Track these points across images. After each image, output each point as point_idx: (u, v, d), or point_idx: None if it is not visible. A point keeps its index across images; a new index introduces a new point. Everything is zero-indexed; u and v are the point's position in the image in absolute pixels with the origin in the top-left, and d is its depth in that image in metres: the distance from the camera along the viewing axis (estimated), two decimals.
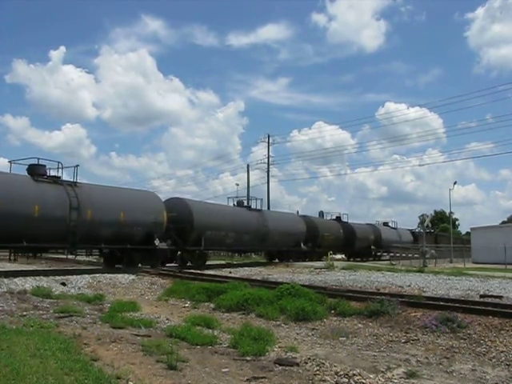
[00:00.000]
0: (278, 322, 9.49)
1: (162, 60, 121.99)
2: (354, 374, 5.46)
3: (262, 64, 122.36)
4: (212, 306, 11.22)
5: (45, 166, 17.93)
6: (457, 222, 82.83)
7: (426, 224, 41.28)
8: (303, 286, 12.18)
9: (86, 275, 16.05)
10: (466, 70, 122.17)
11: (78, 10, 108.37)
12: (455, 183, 53.37)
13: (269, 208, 42.00)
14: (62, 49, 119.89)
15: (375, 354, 7.14)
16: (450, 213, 59.79)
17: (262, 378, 5.24)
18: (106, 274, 16.49)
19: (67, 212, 16.66)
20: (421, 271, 22.98)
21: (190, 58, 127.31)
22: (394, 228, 45.83)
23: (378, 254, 41.03)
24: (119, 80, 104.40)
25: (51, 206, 16.34)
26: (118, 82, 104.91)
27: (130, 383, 4.61)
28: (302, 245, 30.95)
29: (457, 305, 9.83)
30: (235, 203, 28.47)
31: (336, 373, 5.53)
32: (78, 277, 15.63)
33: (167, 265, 21.99)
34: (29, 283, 13.36)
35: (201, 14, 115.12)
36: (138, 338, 6.95)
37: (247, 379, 5.17)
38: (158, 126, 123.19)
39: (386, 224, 45.59)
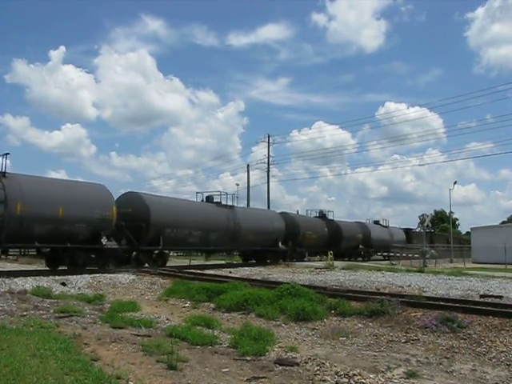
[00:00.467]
0: (278, 322, 9.48)
1: (161, 60, 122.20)
2: (354, 374, 5.46)
3: (262, 64, 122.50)
4: (212, 305, 11.21)
5: None
6: (457, 222, 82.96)
7: (425, 224, 41.29)
8: (303, 285, 12.17)
9: (86, 275, 16.05)
10: (466, 70, 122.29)
11: (77, 10, 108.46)
12: (455, 183, 53.58)
13: (269, 208, 41.93)
14: (62, 49, 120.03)
15: (375, 353, 7.13)
16: (450, 213, 60.00)
17: (262, 377, 5.24)
18: (106, 274, 16.49)
19: None
20: (421, 271, 23.01)
21: (190, 58, 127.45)
22: (385, 226, 44.10)
23: (368, 253, 39.47)
24: (119, 80, 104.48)
25: None
26: (117, 82, 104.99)
27: (130, 383, 4.61)
28: (280, 244, 28.84)
29: (457, 305, 9.83)
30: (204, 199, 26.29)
31: (336, 373, 5.53)
32: (78, 277, 15.62)
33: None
34: (29, 283, 13.37)
35: (201, 14, 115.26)
36: (138, 337, 6.96)
37: (247, 379, 5.17)
38: (158, 126, 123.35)
39: (376, 222, 43.94)
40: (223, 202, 25.99)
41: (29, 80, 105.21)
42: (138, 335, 7.19)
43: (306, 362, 5.98)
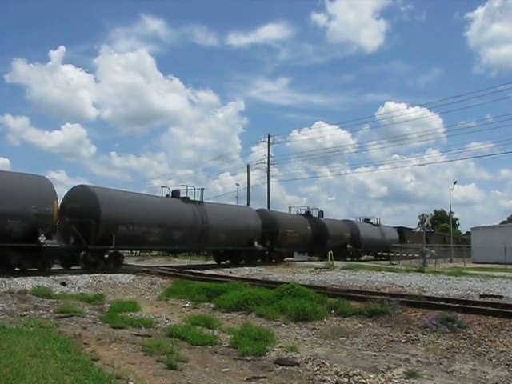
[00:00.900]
0: (278, 322, 9.48)
1: (161, 60, 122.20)
2: (354, 374, 5.46)
3: (262, 64, 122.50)
4: (212, 305, 11.21)
5: None
6: (457, 222, 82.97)
7: (426, 224, 41.31)
8: (303, 285, 12.17)
9: (86, 275, 16.06)
10: (466, 70, 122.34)
11: (77, 10, 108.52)
12: (455, 183, 53.49)
13: (269, 208, 41.83)
14: (62, 48, 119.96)
15: (375, 353, 7.13)
16: (450, 213, 59.91)
17: (262, 377, 5.24)
18: (105, 274, 16.49)
19: None
20: (421, 271, 23.00)
21: (190, 58, 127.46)
22: (376, 225, 41.85)
23: (356, 253, 37.33)
24: (119, 80, 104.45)
25: None
26: (117, 82, 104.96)
27: (130, 383, 4.61)
28: (256, 243, 26.62)
29: (457, 305, 9.83)
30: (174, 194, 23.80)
31: (336, 373, 5.53)
32: (78, 277, 15.63)
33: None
34: (29, 283, 13.37)
35: (201, 13, 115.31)
36: (138, 337, 6.96)
37: (247, 379, 5.17)
38: (158, 126, 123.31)
39: (367, 221, 41.83)
40: (193, 198, 23.80)
41: (29, 80, 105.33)
42: (138, 335, 7.19)
43: (306, 362, 5.97)
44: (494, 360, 6.91)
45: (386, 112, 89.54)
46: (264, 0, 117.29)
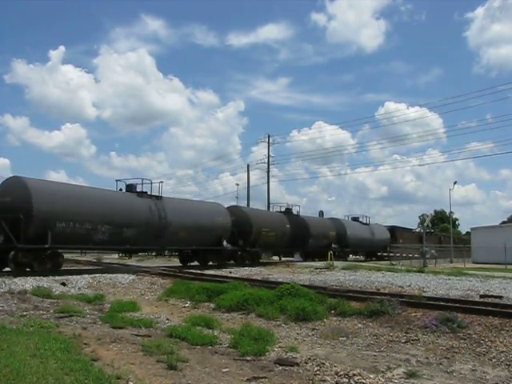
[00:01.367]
0: (278, 322, 9.48)
1: (161, 60, 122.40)
2: (354, 374, 5.45)
3: (262, 64, 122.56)
4: (212, 306, 11.21)
5: None
6: (457, 222, 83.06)
7: (426, 224, 41.27)
8: (303, 285, 12.17)
9: (86, 275, 16.06)
10: (466, 70, 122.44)
11: (77, 10, 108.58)
12: (455, 183, 53.62)
13: (268, 208, 41.71)
14: (62, 48, 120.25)
15: (375, 353, 7.13)
16: (450, 213, 60.02)
17: (262, 377, 5.24)
18: (106, 274, 16.50)
19: None
20: (421, 271, 23.00)
21: (190, 58, 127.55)
22: (365, 224, 39.91)
23: (343, 253, 34.90)
24: (119, 80, 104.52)
25: None
26: (117, 82, 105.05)
27: (130, 383, 4.60)
28: (225, 243, 24.36)
29: (457, 305, 9.83)
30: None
31: (336, 373, 5.53)
32: (78, 277, 15.63)
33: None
34: (29, 283, 13.36)
35: (201, 13, 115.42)
36: (138, 338, 6.95)
37: (247, 379, 5.16)
38: (158, 126, 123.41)
39: (355, 219, 40.06)
40: (153, 192, 21.67)
41: (28, 80, 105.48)
42: (138, 335, 7.18)
43: (306, 362, 5.97)
44: (494, 360, 6.92)
45: (385, 112, 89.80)
46: (264, 0, 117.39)
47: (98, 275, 16.23)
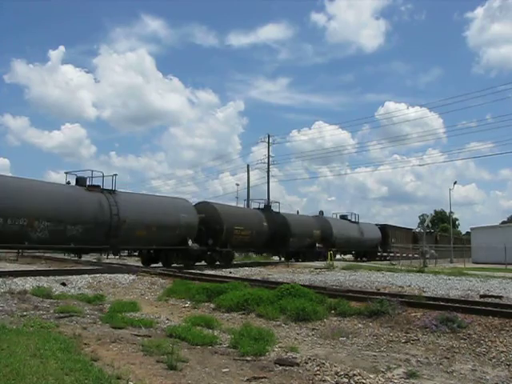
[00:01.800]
0: (278, 322, 9.49)
1: (161, 60, 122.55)
2: (354, 374, 5.45)
3: (262, 64, 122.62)
4: (212, 305, 11.21)
5: None
6: (457, 222, 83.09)
7: (426, 224, 41.30)
8: (303, 285, 12.18)
9: (86, 275, 16.06)
10: (466, 70, 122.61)
11: (77, 10, 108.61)
12: (455, 183, 53.59)
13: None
14: (61, 48, 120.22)
15: (375, 353, 7.14)
16: (450, 213, 59.95)
17: (262, 377, 5.23)
18: (106, 274, 16.49)
19: None
20: (421, 271, 23.00)
21: (190, 58, 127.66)
22: (354, 222, 37.87)
23: (327, 254, 31.75)
24: (119, 80, 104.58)
25: None
26: (117, 82, 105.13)
27: (130, 383, 4.60)
28: (191, 242, 22.15)
29: (457, 305, 9.84)
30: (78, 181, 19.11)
31: (336, 373, 5.52)
32: (78, 277, 15.63)
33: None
34: (29, 283, 13.36)
35: (201, 13, 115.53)
36: (138, 338, 6.95)
37: (247, 379, 5.16)
38: (158, 126, 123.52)
39: (344, 217, 38.02)
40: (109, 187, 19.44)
41: (28, 80, 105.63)
42: (138, 335, 7.18)
43: (306, 362, 5.97)
44: (494, 360, 6.92)
45: (385, 112, 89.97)
46: (264, 0, 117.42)
47: (98, 275, 16.22)
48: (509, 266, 30.17)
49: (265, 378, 5.24)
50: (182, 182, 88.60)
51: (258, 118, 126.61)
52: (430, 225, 44.78)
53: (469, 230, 55.40)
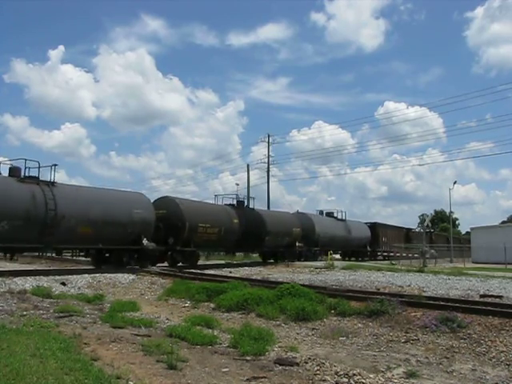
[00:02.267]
0: (278, 322, 9.49)
1: (161, 59, 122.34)
2: (354, 374, 5.45)
3: (262, 64, 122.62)
4: (212, 305, 11.21)
5: None
6: (457, 222, 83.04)
7: (426, 224, 41.24)
8: (303, 285, 12.17)
9: (86, 275, 16.05)
10: (466, 70, 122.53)
11: (77, 10, 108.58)
12: (455, 183, 53.50)
13: (269, 208, 41.57)
14: (61, 48, 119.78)
15: (375, 353, 7.14)
16: (450, 212, 59.91)
17: (262, 377, 5.23)
18: (106, 274, 16.48)
19: None
20: (421, 271, 22.99)
21: (190, 58, 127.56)
22: (340, 220, 35.53)
23: (310, 253, 30.12)
24: (118, 79, 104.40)
25: None
26: (117, 82, 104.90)
27: (130, 383, 4.60)
28: (146, 241, 19.57)
29: (457, 305, 9.83)
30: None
31: (336, 372, 5.52)
32: (78, 277, 15.62)
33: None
34: (29, 283, 13.37)
35: (201, 13, 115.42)
36: (138, 337, 6.95)
37: (247, 379, 5.16)
38: (158, 126, 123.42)
39: (330, 214, 35.69)
40: (46, 178, 16.94)
41: (28, 80, 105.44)
42: (138, 335, 7.18)
43: (306, 362, 5.97)
44: (493, 360, 6.92)
45: (385, 112, 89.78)
46: (264, 0, 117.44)
47: (97, 275, 16.21)
48: (509, 266, 30.16)
49: (265, 377, 5.24)
50: (182, 182, 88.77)
51: (257, 118, 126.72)
52: (429, 224, 44.61)
53: (469, 230, 55.40)
